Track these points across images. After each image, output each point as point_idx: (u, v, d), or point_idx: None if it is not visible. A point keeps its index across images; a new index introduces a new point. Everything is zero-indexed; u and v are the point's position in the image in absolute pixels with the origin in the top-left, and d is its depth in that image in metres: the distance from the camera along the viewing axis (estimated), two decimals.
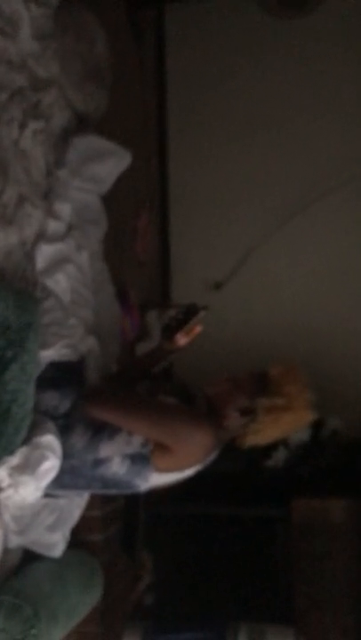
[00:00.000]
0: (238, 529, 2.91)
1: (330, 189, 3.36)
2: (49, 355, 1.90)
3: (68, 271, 2.03)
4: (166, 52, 3.67)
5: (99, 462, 1.84)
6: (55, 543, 2.13)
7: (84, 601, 2.21)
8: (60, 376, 1.92)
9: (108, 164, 2.31)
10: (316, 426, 2.93)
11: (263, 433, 1.88)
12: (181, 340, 2.05)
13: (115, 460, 1.83)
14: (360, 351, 3.37)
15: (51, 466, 1.79)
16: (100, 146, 2.28)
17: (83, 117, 2.41)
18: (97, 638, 2.40)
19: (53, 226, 2.08)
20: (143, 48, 3.32)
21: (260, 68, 3.59)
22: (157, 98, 3.62)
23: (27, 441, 1.79)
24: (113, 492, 1.94)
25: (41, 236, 2.03)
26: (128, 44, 3.10)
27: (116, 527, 2.60)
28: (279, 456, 2.80)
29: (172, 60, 3.66)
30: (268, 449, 1.99)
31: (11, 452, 1.76)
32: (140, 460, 1.82)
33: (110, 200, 2.44)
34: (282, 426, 1.89)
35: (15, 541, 2.01)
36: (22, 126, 2.07)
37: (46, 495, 1.88)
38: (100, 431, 1.85)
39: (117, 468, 1.83)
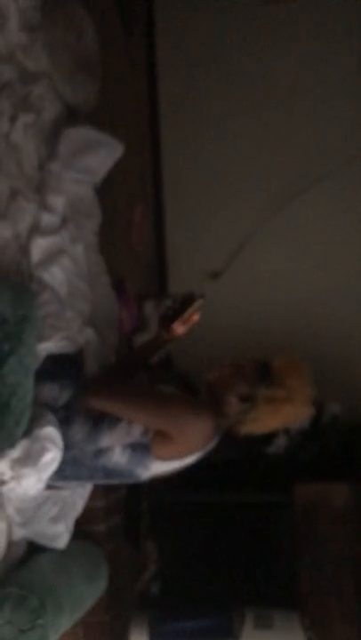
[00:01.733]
0: (241, 515, 2.93)
1: (325, 176, 3.36)
2: (47, 347, 1.90)
3: (63, 264, 2.03)
4: (156, 42, 3.65)
5: (100, 452, 1.85)
6: (59, 534, 2.14)
7: (89, 591, 2.22)
8: (59, 368, 1.92)
9: (100, 154, 2.30)
10: (317, 412, 2.94)
11: (260, 422, 1.89)
12: (179, 329, 2.06)
13: (116, 449, 1.84)
14: (356, 335, 3.37)
15: (52, 457, 1.80)
16: (92, 136, 2.28)
17: (73, 109, 2.41)
18: (103, 628, 2.41)
19: (47, 219, 2.08)
20: (133, 38, 3.31)
21: (251, 56, 3.57)
22: (149, 88, 3.60)
23: (27, 433, 1.80)
24: (115, 481, 1.94)
25: (35, 230, 2.03)
26: (117, 34, 3.09)
27: (120, 517, 2.61)
28: (280, 443, 2.81)
29: (163, 49, 3.64)
30: (269, 436, 1.99)
31: (11, 445, 1.77)
32: (140, 449, 1.83)
33: (104, 192, 2.44)
34: (279, 417, 1.90)
35: (19, 533, 2.03)
36: (13, 119, 2.06)
37: (49, 487, 1.89)
38: (100, 422, 1.86)
39: (118, 457, 1.84)
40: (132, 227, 3.08)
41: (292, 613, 2.62)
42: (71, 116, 2.39)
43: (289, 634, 2.56)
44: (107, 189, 2.47)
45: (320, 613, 2.73)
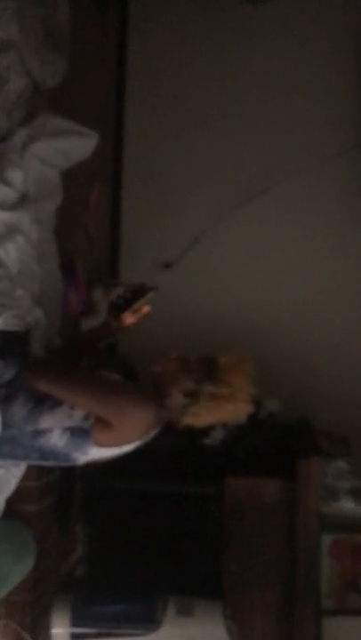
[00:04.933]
0: (172, 505, 2.96)
1: (288, 175, 3.39)
2: None
3: (18, 242, 2.01)
4: (129, 26, 3.61)
5: (38, 433, 1.84)
6: None
7: (15, 570, 2.22)
8: (5, 345, 1.90)
9: (74, 141, 2.29)
10: (255, 407, 2.98)
11: (200, 417, 1.92)
12: (128, 319, 2.07)
13: (55, 431, 1.84)
14: (301, 335, 3.43)
15: None
16: (69, 125, 2.27)
17: (39, 85, 2.37)
18: (26, 607, 2.41)
19: (4, 192, 2.05)
20: (106, 19, 3.26)
21: (225, 46, 3.57)
22: (117, 72, 3.56)
23: None
24: (51, 463, 1.94)
25: None
26: (91, 12, 3.05)
27: (52, 499, 2.60)
28: (217, 435, 2.85)
29: (135, 34, 3.60)
30: (207, 428, 2.03)
31: None
32: (80, 434, 1.83)
33: (64, 171, 2.41)
34: (220, 414, 1.94)
35: None
36: None
37: None
38: (42, 402, 1.85)
39: (57, 439, 1.84)
40: (88, 208, 3.06)
41: (214, 603, 2.67)
42: (36, 90, 2.36)
43: (209, 622, 2.61)
44: (67, 169, 2.44)
45: (242, 605, 2.80)
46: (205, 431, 2.72)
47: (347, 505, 2.84)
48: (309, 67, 3.54)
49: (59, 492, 2.65)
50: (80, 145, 2.33)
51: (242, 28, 3.57)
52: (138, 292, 2.06)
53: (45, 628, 2.52)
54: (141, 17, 3.61)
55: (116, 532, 2.95)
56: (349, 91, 3.48)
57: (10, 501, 2.21)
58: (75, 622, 2.56)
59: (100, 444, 1.84)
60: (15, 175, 2.08)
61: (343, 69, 3.50)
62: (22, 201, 2.09)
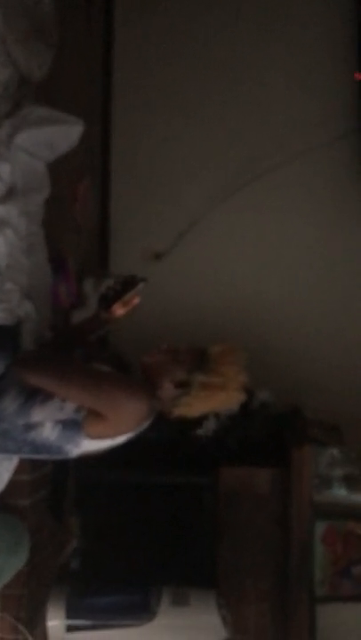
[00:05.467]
0: (165, 496, 2.96)
1: (274, 165, 3.38)
2: None
3: (6, 235, 1.99)
4: (115, 13, 3.58)
5: (30, 427, 1.83)
6: None
7: (9, 564, 2.22)
8: None
9: (59, 132, 2.27)
10: (247, 397, 2.99)
11: (192, 407, 1.92)
12: (118, 310, 2.06)
13: (46, 425, 1.83)
14: (292, 324, 3.43)
15: None
16: (54, 115, 2.25)
17: (24, 76, 2.35)
18: (21, 601, 2.41)
19: None
20: (92, 9, 3.24)
21: (214, 31, 3.54)
22: (104, 63, 3.54)
23: None
24: (43, 456, 1.93)
25: None
26: (76, 4, 3.02)
27: (45, 492, 2.60)
28: (209, 425, 2.85)
29: (122, 22, 3.58)
30: (199, 418, 2.04)
31: None
32: (72, 426, 1.82)
33: (51, 163, 2.40)
34: (212, 403, 1.94)
35: None
36: None
37: None
38: (34, 396, 1.84)
39: (49, 433, 1.83)
40: (77, 199, 3.04)
41: (208, 593, 2.68)
42: (22, 82, 2.34)
43: (204, 611, 2.62)
44: (54, 161, 2.43)
45: (236, 593, 2.81)
46: (198, 421, 2.74)
47: (340, 492, 2.86)
48: (302, 53, 3.52)
49: (52, 484, 2.65)
50: (65, 133, 2.31)
51: (233, 14, 3.54)
52: (128, 284, 2.05)
53: (41, 620, 2.53)
54: (127, 6, 3.58)
55: (110, 523, 2.95)
56: (342, 78, 3.46)
57: (3, 495, 2.21)
58: (70, 614, 2.57)
59: (93, 437, 1.83)
60: (2, 168, 2.07)
61: (336, 56, 3.48)
62: (10, 194, 2.07)
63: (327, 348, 3.43)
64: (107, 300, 2.06)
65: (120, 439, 1.88)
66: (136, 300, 2.07)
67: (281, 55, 3.53)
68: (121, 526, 2.93)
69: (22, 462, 2.25)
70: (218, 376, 1.89)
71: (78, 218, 3.06)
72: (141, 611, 2.58)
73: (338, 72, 3.48)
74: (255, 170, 3.40)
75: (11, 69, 2.24)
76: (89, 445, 1.86)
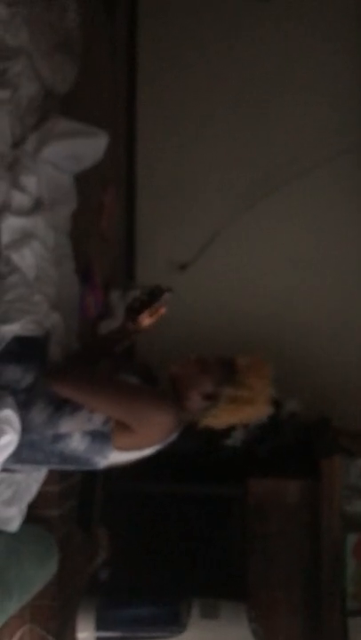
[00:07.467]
0: (194, 507, 2.95)
1: (297, 173, 3.38)
2: (14, 329, 1.88)
3: (34, 247, 2.01)
4: (138, 28, 3.62)
5: (58, 438, 1.84)
6: (11, 518, 2.13)
7: (38, 575, 2.22)
8: (24, 351, 1.90)
9: (83, 142, 2.29)
10: (275, 408, 2.97)
11: (220, 419, 1.91)
12: (145, 321, 2.06)
13: (75, 436, 1.83)
14: (320, 334, 3.41)
15: (9, 440, 1.78)
16: (79, 128, 2.27)
17: (50, 89, 2.37)
18: (51, 612, 2.41)
19: (19, 198, 2.05)
20: (115, 22, 3.27)
21: (233, 48, 3.56)
22: (128, 74, 3.57)
23: None
24: (71, 467, 1.93)
25: (6, 208, 2.00)
26: (100, 17, 3.05)
27: (73, 503, 2.61)
28: (238, 435, 2.84)
29: (145, 36, 3.61)
30: (228, 429, 2.02)
31: None
32: (100, 438, 1.82)
33: (77, 174, 2.42)
34: (240, 416, 1.92)
35: None
36: None
37: (4, 469, 1.87)
38: (62, 407, 1.85)
39: (77, 444, 1.83)
40: (103, 211, 3.06)
41: (239, 605, 2.66)
42: (48, 96, 2.36)
43: (234, 624, 2.59)
44: (80, 172, 2.45)
45: (267, 606, 2.78)
46: (226, 432, 2.72)
47: None
48: (321, 66, 3.53)
49: (80, 495, 2.65)
50: (90, 145, 2.33)
51: (254, 25, 3.56)
52: (154, 294, 2.05)
53: (71, 632, 2.53)
54: (151, 18, 3.61)
55: (139, 534, 2.95)
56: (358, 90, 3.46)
57: (32, 506, 2.21)
58: (100, 626, 2.56)
59: (121, 448, 1.83)
60: (29, 181, 2.08)
61: (354, 69, 3.47)
62: (37, 206, 2.09)
63: (355, 357, 3.40)
64: (133, 311, 2.06)
65: (148, 451, 1.87)
66: (162, 311, 2.07)
67: (303, 68, 3.55)
68: (149, 537, 2.92)
69: (51, 473, 2.26)
70: (246, 389, 1.87)
71: (104, 228, 3.08)
72: (171, 623, 2.56)
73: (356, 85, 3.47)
74: (275, 182, 3.40)
75: (37, 84, 2.27)
76: (117, 457, 1.85)
